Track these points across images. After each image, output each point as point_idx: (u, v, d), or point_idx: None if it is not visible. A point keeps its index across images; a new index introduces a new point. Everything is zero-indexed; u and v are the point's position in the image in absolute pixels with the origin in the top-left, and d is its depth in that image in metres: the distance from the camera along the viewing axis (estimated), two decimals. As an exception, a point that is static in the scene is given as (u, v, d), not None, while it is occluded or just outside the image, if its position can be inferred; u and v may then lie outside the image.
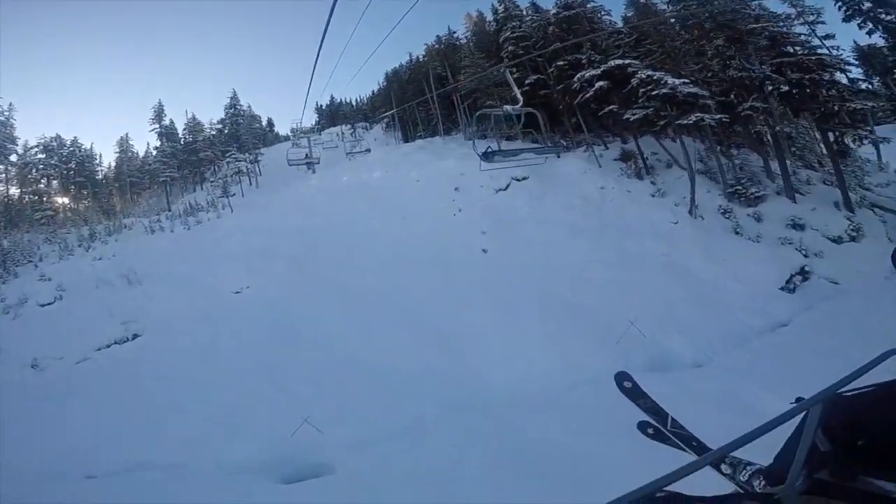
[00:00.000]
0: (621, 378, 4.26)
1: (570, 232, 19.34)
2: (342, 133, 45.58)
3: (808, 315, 13.81)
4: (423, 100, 35.49)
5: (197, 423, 11.02)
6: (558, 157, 21.30)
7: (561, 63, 27.68)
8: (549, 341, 13.56)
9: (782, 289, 16.11)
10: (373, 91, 56.00)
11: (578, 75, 25.43)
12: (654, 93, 21.48)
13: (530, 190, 22.46)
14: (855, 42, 28.43)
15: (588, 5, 30.83)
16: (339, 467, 9.21)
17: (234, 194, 31.13)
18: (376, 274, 17.71)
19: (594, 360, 12.20)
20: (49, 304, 18.16)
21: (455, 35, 41.90)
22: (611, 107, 24.36)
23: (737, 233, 18.93)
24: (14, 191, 36.68)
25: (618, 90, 23.85)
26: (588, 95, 24.81)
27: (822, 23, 24.16)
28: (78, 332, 15.91)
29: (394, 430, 10.17)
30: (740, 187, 20.86)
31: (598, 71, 24.38)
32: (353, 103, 60.35)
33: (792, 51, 22.39)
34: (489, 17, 38.60)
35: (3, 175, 36.18)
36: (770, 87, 21.82)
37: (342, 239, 20.32)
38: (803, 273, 16.68)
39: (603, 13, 31.73)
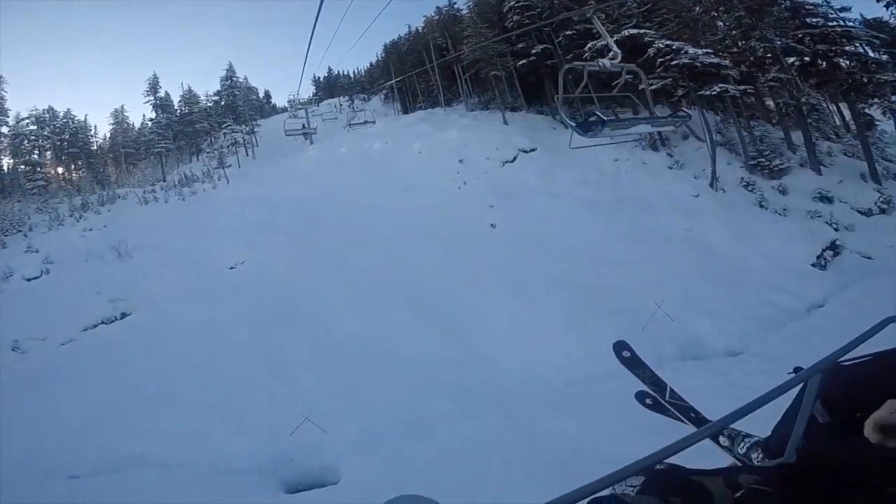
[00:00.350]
0: (620, 348, 4.38)
1: (585, 206, 18.38)
2: (340, 105, 45.07)
3: (845, 295, 12.89)
4: (422, 70, 34.92)
5: (191, 414, 10.03)
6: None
7: (569, 33, 26.55)
8: (566, 326, 12.56)
9: (813, 265, 15.15)
10: (371, 63, 55.09)
11: (589, 45, 24.27)
12: (672, 63, 20.61)
13: (539, 162, 21.55)
14: (862, 15, 27.49)
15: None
16: (343, 469, 8.32)
17: (230, 165, 30.31)
18: (377, 248, 16.89)
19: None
20: (35, 278, 17.20)
21: (455, 5, 40.70)
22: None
23: (761, 206, 17.91)
24: (7, 161, 36.46)
25: (631, 60, 22.74)
26: (600, 65, 23.75)
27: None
28: (64, 309, 14.82)
29: (396, 424, 9.27)
30: (763, 159, 19.86)
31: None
32: (351, 75, 59.59)
33: (813, 22, 21.41)
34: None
35: (-5, 145, 35.74)
36: (793, 59, 20.94)
37: (341, 212, 19.45)
38: (834, 248, 15.75)
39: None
